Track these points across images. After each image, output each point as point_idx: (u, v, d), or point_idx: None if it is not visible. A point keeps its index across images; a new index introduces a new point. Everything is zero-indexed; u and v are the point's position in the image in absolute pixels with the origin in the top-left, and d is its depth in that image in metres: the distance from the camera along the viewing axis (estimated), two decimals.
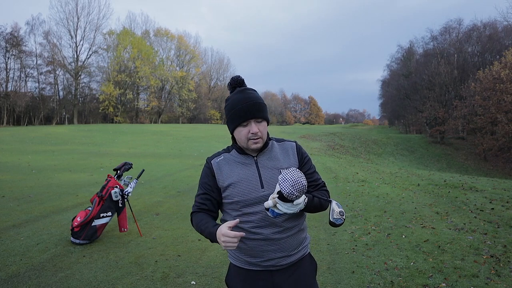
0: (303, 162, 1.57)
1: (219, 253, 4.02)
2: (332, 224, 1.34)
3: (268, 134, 1.55)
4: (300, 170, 1.48)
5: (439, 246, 4.21)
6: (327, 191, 1.58)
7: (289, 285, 1.49)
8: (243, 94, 1.47)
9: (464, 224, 5.17)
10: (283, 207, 1.28)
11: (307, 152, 1.63)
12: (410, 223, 5.31)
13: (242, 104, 1.44)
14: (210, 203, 1.52)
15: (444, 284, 3.20)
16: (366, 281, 3.30)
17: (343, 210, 1.34)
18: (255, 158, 1.51)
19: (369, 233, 4.86)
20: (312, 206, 1.42)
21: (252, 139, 1.45)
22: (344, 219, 1.35)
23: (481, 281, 3.25)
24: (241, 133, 1.45)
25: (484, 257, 3.82)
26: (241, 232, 1.29)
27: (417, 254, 3.99)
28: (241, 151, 1.52)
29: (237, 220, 1.36)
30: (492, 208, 6.02)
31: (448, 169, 26.17)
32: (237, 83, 1.52)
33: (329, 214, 1.35)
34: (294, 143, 1.60)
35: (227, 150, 1.58)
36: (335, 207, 1.34)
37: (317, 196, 1.46)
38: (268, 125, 1.52)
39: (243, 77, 1.53)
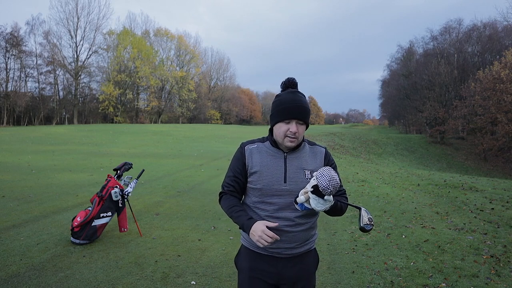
0: None
1: (219, 253, 4.02)
2: (362, 229, 1.45)
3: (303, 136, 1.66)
4: None
5: (439, 246, 4.21)
6: (346, 198, 1.70)
7: (293, 273, 1.60)
8: (294, 96, 1.57)
9: (464, 224, 5.17)
10: (314, 203, 1.40)
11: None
12: (410, 223, 5.31)
13: (291, 103, 1.55)
14: (237, 185, 1.65)
15: (444, 284, 3.20)
16: (366, 281, 3.31)
17: (371, 217, 1.45)
18: (285, 154, 1.62)
19: (369, 233, 4.86)
20: (334, 208, 1.54)
21: (289, 136, 1.55)
22: (373, 225, 1.46)
23: (481, 281, 3.25)
24: (281, 128, 1.56)
25: (484, 257, 3.82)
26: (278, 236, 1.44)
27: (417, 254, 3.99)
28: (275, 144, 1.63)
29: (277, 224, 1.50)
30: (492, 208, 6.02)
31: (448, 169, 26.16)
32: (290, 84, 1.63)
33: (359, 221, 1.46)
34: (324, 149, 1.71)
35: (262, 140, 1.69)
36: (364, 214, 1.45)
37: (343, 202, 1.58)
38: (306, 129, 1.63)
39: (296, 80, 1.64)
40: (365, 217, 1.44)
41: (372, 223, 1.44)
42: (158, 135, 28.29)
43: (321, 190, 1.36)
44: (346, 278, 3.38)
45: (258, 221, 1.48)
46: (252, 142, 1.68)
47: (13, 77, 44.87)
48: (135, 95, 57.56)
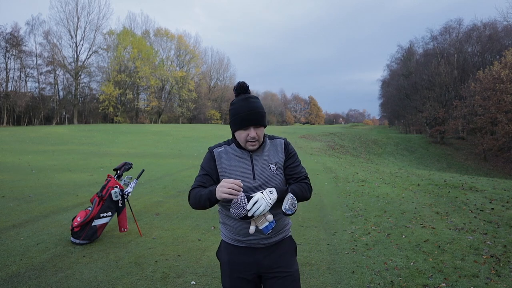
0: (289, 157, 1.77)
1: None
2: (284, 213, 1.55)
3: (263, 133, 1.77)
4: (285, 163, 1.76)
5: (439, 246, 4.21)
6: (307, 183, 1.76)
7: (269, 260, 1.71)
8: (247, 103, 1.66)
9: (464, 224, 5.17)
10: (260, 209, 1.48)
11: (294, 148, 1.85)
12: (410, 223, 5.31)
13: (245, 112, 1.64)
14: (210, 181, 1.69)
15: (444, 284, 3.20)
16: (366, 281, 3.30)
17: (295, 203, 1.56)
18: (251, 153, 1.73)
19: (369, 233, 4.86)
20: (294, 194, 1.63)
21: (249, 141, 1.67)
22: (295, 210, 1.55)
23: (481, 281, 3.25)
24: (241, 135, 1.68)
25: (484, 257, 3.82)
26: (238, 180, 1.50)
27: (417, 254, 3.99)
28: (239, 145, 1.73)
29: (239, 180, 1.54)
30: (492, 208, 6.02)
31: (448, 169, 26.17)
32: (242, 89, 1.71)
33: (283, 204, 1.56)
34: (283, 140, 1.80)
35: (228, 143, 1.78)
36: (289, 198, 1.56)
37: (279, 186, 1.65)
38: (265, 127, 1.72)
39: (247, 84, 1.74)
40: (288, 202, 1.54)
41: (295, 208, 1.54)
42: (158, 135, 28.29)
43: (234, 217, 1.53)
44: (346, 278, 3.38)
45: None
46: (219, 145, 1.78)
47: (13, 77, 44.93)
48: (135, 95, 57.55)
